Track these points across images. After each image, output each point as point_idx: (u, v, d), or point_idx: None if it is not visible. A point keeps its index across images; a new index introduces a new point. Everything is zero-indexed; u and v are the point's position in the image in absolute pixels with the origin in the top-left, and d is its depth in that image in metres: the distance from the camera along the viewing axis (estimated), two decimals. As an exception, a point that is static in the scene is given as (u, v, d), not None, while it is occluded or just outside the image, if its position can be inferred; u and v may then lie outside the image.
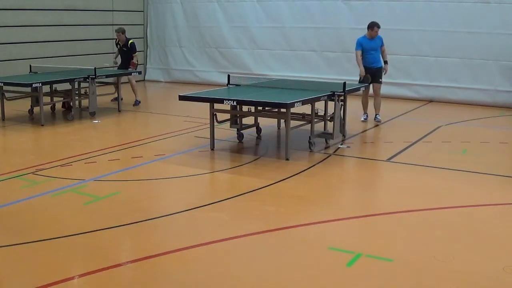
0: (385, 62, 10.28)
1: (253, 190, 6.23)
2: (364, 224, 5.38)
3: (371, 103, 10.51)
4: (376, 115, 10.44)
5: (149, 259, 4.45)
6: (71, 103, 10.63)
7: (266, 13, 14.97)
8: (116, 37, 12.29)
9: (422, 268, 4.34)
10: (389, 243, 4.87)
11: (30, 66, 11.49)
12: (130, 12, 16.34)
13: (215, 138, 8.17)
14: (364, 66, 10.13)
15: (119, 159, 7.57)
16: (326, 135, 8.53)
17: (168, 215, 5.47)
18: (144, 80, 16.81)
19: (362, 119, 10.44)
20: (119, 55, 12.40)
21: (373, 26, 10.13)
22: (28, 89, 10.03)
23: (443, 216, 5.59)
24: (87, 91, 10.74)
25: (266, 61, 15.06)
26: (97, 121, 10.29)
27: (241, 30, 15.30)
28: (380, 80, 10.32)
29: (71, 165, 7.24)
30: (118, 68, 12.37)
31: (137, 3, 16.64)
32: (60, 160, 7.42)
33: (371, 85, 10.22)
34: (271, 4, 14.86)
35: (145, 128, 10.22)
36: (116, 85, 11.54)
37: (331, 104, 8.37)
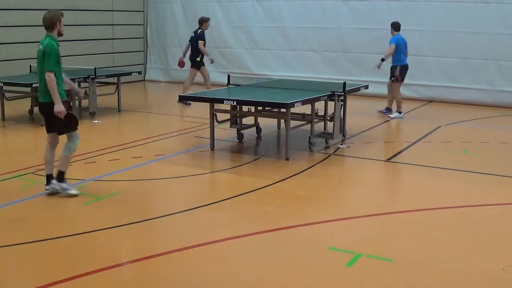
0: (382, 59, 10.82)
1: (253, 190, 6.23)
2: (364, 224, 5.38)
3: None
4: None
5: (149, 259, 4.45)
6: (71, 103, 10.62)
7: (266, 13, 14.96)
8: (203, 28, 12.09)
9: (422, 268, 4.34)
10: (389, 243, 4.87)
11: (30, 66, 11.48)
12: (130, 12, 16.34)
13: (215, 138, 8.17)
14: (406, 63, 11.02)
15: (119, 159, 7.57)
16: (326, 135, 8.53)
17: (168, 215, 5.47)
18: (144, 80, 16.81)
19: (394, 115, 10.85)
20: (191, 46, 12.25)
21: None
22: (28, 89, 10.03)
23: (443, 216, 5.59)
24: (87, 91, 10.74)
25: (266, 61, 15.05)
26: (97, 121, 10.29)
27: (241, 30, 15.29)
28: (392, 78, 10.87)
29: (71, 165, 7.22)
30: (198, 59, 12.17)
31: (137, 3, 16.64)
32: (60, 160, 7.40)
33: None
34: (271, 4, 14.85)
35: (145, 128, 10.21)
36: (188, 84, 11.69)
37: (331, 104, 8.37)
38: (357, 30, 13.64)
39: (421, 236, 5.02)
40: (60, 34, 6.06)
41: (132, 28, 16.49)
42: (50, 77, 5.76)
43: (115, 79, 11.52)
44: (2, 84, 9.93)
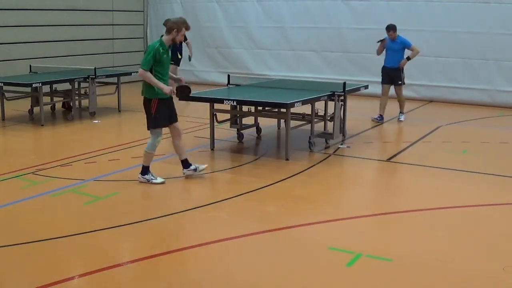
0: (407, 58, 10.32)
1: (253, 190, 6.23)
2: (364, 224, 5.38)
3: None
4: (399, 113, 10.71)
5: (149, 259, 4.45)
6: (71, 103, 10.62)
7: (266, 13, 14.96)
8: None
9: (422, 268, 4.34)
10: (389, 243, 4.87)
11: (30, 66, 11.49)
12: (130, 12, 16.34)
13: (215, 138, 8.17)
14: (383, 65, 10.50)
15: (119, 159, 7.57)
16: (326, 135, 8.53)
17: (168, 215, 5.47)
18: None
19: (374, 118, 10.45)
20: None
21: (386, 28, 10.32)
22: (28, 89, 10.03)
23: (443, 216, 5.60)
24: (87, 91, 10.74)
25: (266, 61, 15.05)
26: (97, 121, 10.28)
27: (241, 30, 15.29)
28: (400, 82, 10.36)
29: (71, 165, 7.24)
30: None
31: (137, 3, 16.64)
32: (60, 160, 7.42)
33: (391, 86, 10.42)
34: (271, 4, 14.84)
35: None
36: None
37: (331, 104, 8.37)
38: (357, 30, 13.63)
39: (421, 236, 5.02)
40: (174, 41, 6.62)
41: (132, 28, 16.48)
42: None
43: (115, 79, 11.52)
44: (2, 84, 9.93)
